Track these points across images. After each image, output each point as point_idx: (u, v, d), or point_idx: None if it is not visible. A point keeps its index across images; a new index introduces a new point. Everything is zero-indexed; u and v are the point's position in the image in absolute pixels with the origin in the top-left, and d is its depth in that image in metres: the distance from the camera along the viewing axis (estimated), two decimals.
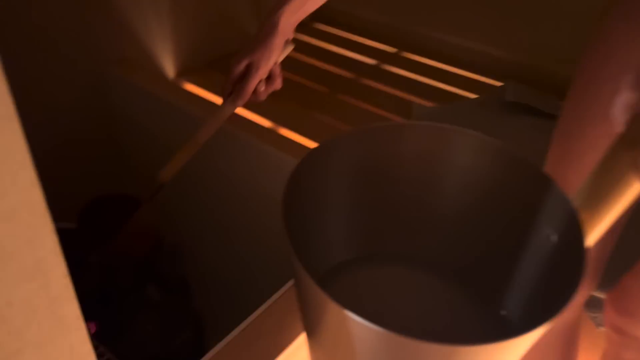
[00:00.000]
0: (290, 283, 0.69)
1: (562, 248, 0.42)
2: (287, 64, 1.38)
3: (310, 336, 0.50)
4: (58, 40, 1.02)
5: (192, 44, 1.26)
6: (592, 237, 0.40)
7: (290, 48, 0.76)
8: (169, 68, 1.23)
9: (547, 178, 0.46)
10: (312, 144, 1.04)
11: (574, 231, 0.40)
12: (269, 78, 0.75)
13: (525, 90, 1.19)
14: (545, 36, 1.26)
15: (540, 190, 0.45)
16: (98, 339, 0.80)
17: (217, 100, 1.18)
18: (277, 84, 0.76)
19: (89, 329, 0.89)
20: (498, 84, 1.29)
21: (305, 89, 1.28)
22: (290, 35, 0.74)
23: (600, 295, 0.75)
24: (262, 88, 0.74)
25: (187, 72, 1.27)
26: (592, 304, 0.83)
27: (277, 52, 0.72)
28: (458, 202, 0.53)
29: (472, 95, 1.25)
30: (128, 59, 1.13)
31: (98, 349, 0.75)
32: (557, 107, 0.72)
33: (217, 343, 0.61)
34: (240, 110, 1.13)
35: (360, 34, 1.50)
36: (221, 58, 1.36)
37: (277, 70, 0.75)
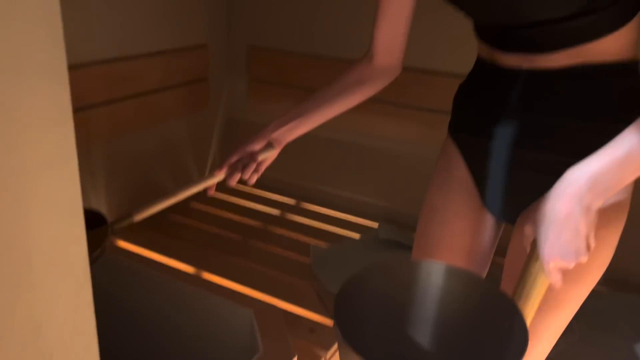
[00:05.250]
0: None
1: (511, 330, 0.65)
2: (206, 218, 1.65)
3: None
4: None
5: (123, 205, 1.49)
6: (529, 319, 0.65)
7: (271, 150, 0.89)
8: None
9: (497, 290, 0.69)
10: (231, 285, 1.26)
11: (518, 318, 0.63)
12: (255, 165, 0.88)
13: (395, 229, 1.53)
14: (406, 186, 1.63)
15: (493, 299, 0.69)
16: None
17: (148, 254, 1.39)
18: (258, 171, 0.89)
19: None
20: (375, 224, 1.63)
21: (221, 238, 1.53)
22: (275, 142, 0.89)
23: None
24: (244, 167, 0.86)
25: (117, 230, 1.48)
26: None
27: (257, 142, 0.88)
28: (441, 315, 0.74)
29: (356, 235, 1.56)
30: None
31: None
32: None
33: None
34: (167, 260, 1.35)
35: (265, 189, 1.83)
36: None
37: (261, 162, 0.89)
